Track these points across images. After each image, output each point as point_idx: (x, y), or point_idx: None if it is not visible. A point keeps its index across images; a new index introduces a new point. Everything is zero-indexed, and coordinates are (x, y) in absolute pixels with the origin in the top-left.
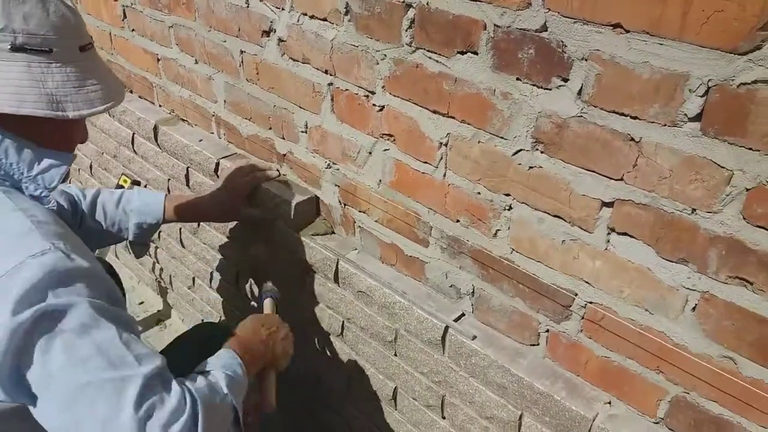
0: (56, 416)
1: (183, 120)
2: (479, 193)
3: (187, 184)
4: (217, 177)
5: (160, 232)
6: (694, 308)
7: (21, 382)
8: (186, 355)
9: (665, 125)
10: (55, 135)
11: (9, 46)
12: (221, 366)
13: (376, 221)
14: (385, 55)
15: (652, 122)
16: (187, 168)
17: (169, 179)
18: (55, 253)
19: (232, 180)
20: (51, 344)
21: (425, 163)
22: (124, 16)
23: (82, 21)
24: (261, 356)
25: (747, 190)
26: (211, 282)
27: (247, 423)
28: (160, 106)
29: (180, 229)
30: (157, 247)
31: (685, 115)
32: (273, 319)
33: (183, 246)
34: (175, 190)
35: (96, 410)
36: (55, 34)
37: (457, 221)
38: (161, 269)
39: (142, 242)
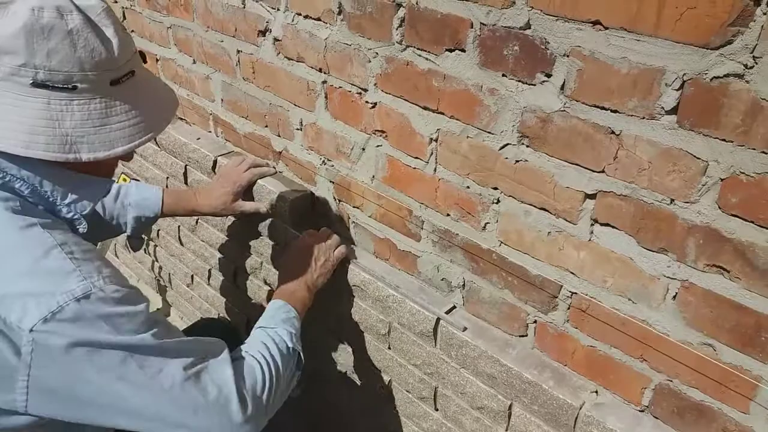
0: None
1: (181, 119)
2: (468, 187)
3: (186, 182)
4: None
5: (159, 230)
6: (674, 297)
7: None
8: None
9: (644, 118)
10: (89, 164)
11: (30, 82)
12: (282, 322)
13: (369, 216)
14: (377, 53)
15: (631, 115)
16: (186, 166)
17: (167, 177)
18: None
19: (230, 174)
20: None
21: (416, 158)
22: (124, 17)
23: (126, 49)
24: (309, 300)
25: (721, 180)
26: (209, 279)
27: None
28: None
29: (179, 227)
30: (156, 246)
31: (662, 108)
32: (307, 248)
33: (182, 244)
34: (176, 188)
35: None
36: (80, 70)
37: (448, 215)
38: (160, 267)
39: (139, 236)
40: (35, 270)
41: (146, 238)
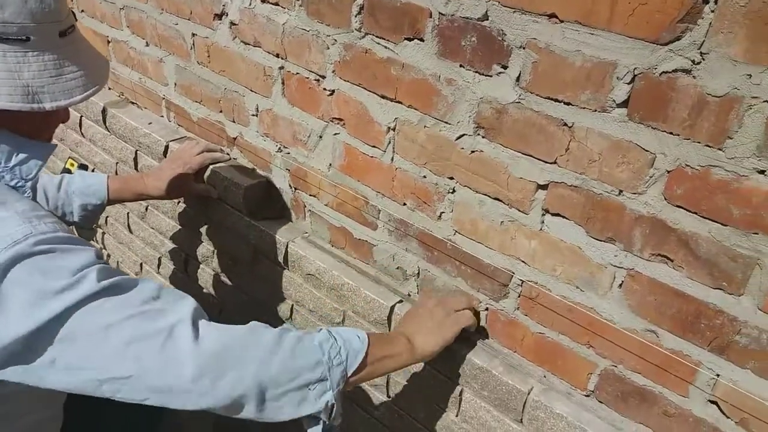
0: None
1: (132, 103)
2: (425, 176)
3: (136, 168)
4: None
5: (107, 217)
6: (620, 285)
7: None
8: None
9: (595, 111)
10: (33, 124)
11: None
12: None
13: (326, 205)
14: (336, 40)
15: (584, 108)
16: (136, 151)
17: (117, 163)
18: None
19: (181, 155)
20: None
21: (374, 147)
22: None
23: (65, 2)
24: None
25: (668, 172)
26: (159, 268)
27: None
28: (109, 88)
29: (128, 213)
30: (104, 233)
31: (614, 101)
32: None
33: (131, 231)
34: (124, 174)
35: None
36: (33, 21)
37: (404, 204)
38: (108, 255)
39: (89, 225)
40: None
41: (96, 227)
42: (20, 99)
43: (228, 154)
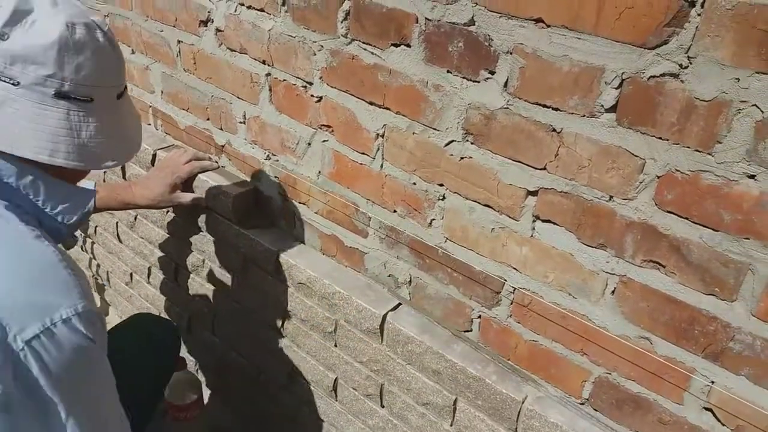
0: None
1: None
2: (415, 183)
3: (124, 177)
4: None
5: (96, 226)
6: (613, 291)
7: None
8: (125, 343)
9: (584, 116)
10: (76, 175)
11: (53, 92)
12: None
13: (316, 213)
14: (322, 46)
15: (572, 113)
16: None
17: (104, 172)
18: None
19: (169, 164)
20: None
21: (363, 154)
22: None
23: (123, 62)
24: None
25: (658, 177)
26: (149, 278)
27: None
28: None
29: (116, 223)
30: (93, 243)
31: (602, 106)
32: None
33: (120, 240)
34: (111, 182)
35: None
36: (99, 84)
37: (395, 211)
38: (98, 265)
39: (71, 233)
40: (41, 281)
41: (83, 235)
42: (77, 158)
43: (216, 162)
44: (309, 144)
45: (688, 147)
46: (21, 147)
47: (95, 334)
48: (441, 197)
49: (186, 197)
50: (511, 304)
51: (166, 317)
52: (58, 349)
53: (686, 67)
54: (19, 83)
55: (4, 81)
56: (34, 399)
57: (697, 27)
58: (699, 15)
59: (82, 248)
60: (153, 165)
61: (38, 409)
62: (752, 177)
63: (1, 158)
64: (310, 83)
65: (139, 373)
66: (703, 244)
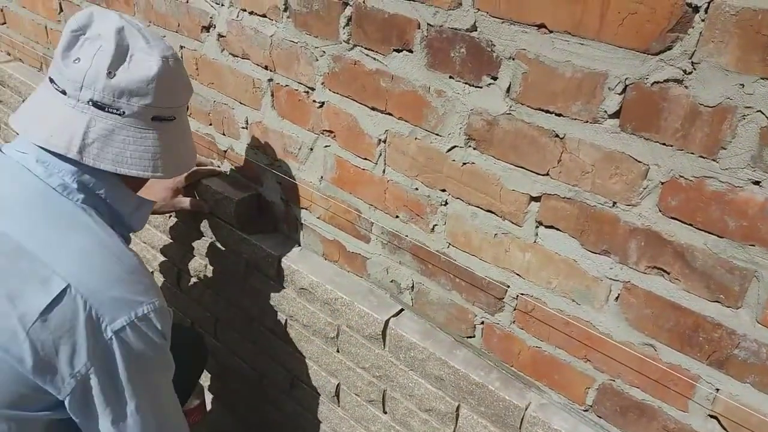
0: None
1: None
2: (417, 189)
3: None
4: None
5: None
6: (617, 298)
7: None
8: None
9: (587, 122)
10: (142, 183)
11: (152, 117)
12: None
13: (318, 218)
14: (324, 52)
15: (575, 119)
16: None
17: None
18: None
19: None
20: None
21: (365, 159)
22: (61, 10)
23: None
24: None
25: (662, 183)
26: None
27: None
28: None
29: None
30: None
31: (605, 112)
32: None
33: None
34: None
35: None
36: (181, 104)
37: (397, 217)
38: None
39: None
40: (129, 279)
41: None
42: (173, 170)
43: (219, 166)
44: (311, 149)
45: (693, 153)
46: (130, 166)
47: (164, 326)
48: (443, 203)
49: (188, 202)
50: (514, 310)
51: (187, 327)
52: (138, 339)
53: (690, 73)
54: (124, 113)
55: (112, 112)
56: (110, 384)
57: (701, 32)
58: (703, 20)
59: None
60: None
61: (111, 393)
62: (757, 183)
63: (87, 173)
64: (312, 89)
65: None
66: (707, 251)
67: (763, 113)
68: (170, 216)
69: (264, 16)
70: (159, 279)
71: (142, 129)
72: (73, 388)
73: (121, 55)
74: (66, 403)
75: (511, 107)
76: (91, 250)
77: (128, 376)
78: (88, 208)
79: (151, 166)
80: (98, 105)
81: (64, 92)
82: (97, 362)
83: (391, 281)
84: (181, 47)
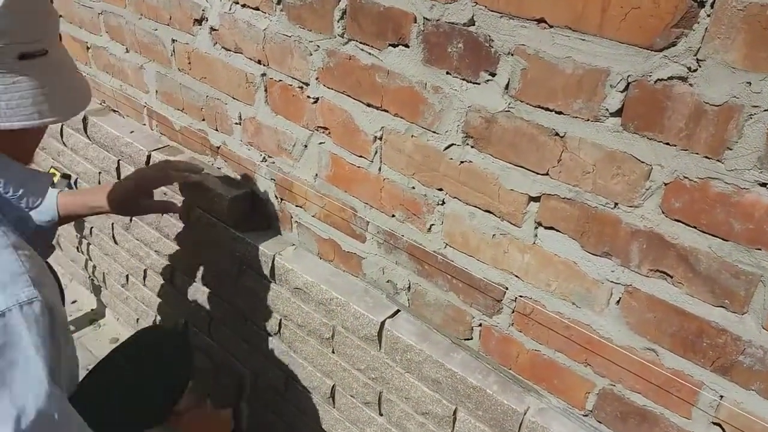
0: None
1: (114, 111)
2: (413, 187)
3: (119, 178)
4: None
5: (91, 228)
6: (618, 301)
7: None
8: (135, 364)
9: (588, 120)
10: (25, 146)
11: (18, 56)
12: None
13: (313, 216)
14: (318, 46)
15: (576, 117)
16: (118, 161)
17: (99, 172)
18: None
19: (143, 173)
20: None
21: (360, 156)
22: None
23: (44, 25)
24: None
25: (665, 184)
26: (145, 280)
27: None
28: None
29: (112, 224)
30: (89, 244)
31: (607, 110)
32: None
33: (116, 242)
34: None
35: None
36: (48, 34)
37: (393, 216)
38: (94, 267)
39: (49, 241)
40: None
41: (78, 236)
42: (60, 112)
43: (201, 175)
44: (305, 146)
45: (697, 153)
46: (9, 118)
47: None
48: (440, 202)
49: (155, 205)
50: (513, 312)
51: (171, 327)
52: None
53: (695, 70)
54: None
55: None
56: None
57: (706, 28)
58: (708, 16)
59: (77, 249)
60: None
61: None
62: (764, 185)
63: None
64: (307, 84)
65: (151, 396)
66: (712, 254)
67: None
68: (163, 214)
69: (257, 8)
70: (153, 277)
71: (9, 73)
72: None
73: None
74: None
75: (509, 104)
76: None
77: None
78: None
79: (37, 112)
80: None
81: None
82: None
83: (388, 281)
84: (173, 40)
